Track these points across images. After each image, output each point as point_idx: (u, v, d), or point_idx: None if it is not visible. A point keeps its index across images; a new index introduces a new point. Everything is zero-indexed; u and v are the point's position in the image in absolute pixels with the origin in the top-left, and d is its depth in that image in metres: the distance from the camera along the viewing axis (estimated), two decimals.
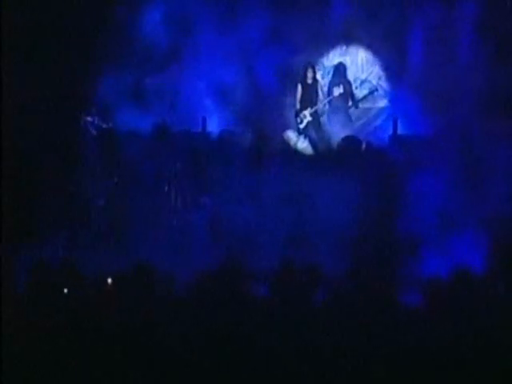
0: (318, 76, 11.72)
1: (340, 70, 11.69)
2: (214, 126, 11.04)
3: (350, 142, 10.83)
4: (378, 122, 11.64)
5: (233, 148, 10.34)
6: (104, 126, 10.75)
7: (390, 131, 11.04)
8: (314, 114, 11.61)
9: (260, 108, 11.28)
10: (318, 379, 4.83)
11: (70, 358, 4.78)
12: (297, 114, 11.61)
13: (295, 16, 11.33)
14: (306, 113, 11.56)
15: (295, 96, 11.61)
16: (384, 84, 11.62)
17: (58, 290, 6.53)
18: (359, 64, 11.82)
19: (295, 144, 11.50)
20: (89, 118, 10.73)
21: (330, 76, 11.75)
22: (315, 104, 11.59)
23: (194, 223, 10.00)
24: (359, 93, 11.68)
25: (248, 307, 6.10)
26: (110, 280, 7.11)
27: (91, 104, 10.74)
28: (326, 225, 9.59)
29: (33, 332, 4.84)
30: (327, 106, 11.69)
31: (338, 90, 11.55)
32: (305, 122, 11.56)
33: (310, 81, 11.56)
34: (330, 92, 11.65)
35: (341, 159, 10.40)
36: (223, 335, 5.12)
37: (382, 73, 11.68)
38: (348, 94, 11.61)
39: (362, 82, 11.74)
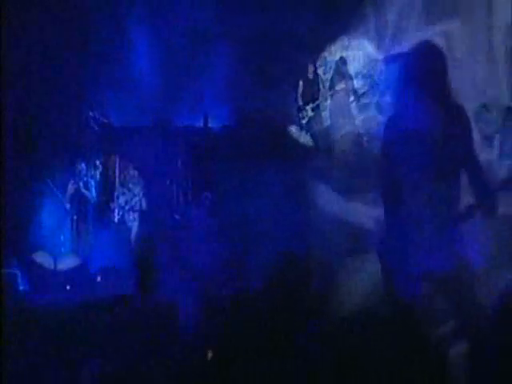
0: (320, 71, 11.73)
1: (342, 65, 11.70)
2: (215, 122, 11.06)
3: (352, 136, 10.83)
4: (380, 116, 11.63)
5: (234, 143, 10.36)
6: (105, 120, 10.77)
7: (391, 126, 11.00)
8: (316, 109, 11.61)
9: (262, 103, 11.29)
10: (315, 373, 4.85)
11: (70, 357, 4.81)
12: (299, 109, 11.61)
13: (297, 10, 11.35)
14: (308, 107, 11.56)
15: (297, 91, 11.62)
16: (385, 79, 11.63)
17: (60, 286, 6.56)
18: (361, 59, 11.83)
19: (297, 139, 11.50)
20: (90, 113, 10.75)
21: (332, 71, 11.76)
22: (317, 99, 11.59)
23: (195, 217, 10.03)
24: (361, 88, 11.69)
25: (248, 300, 6.13)
26: (111, 276, 7.14)
27: (93, 98, 10.77)
28: (326, 218, 9.61)
29: (33, 330, 4.87)
30: (329, 101, 11.70)
31: (339, 85, 11.54)
32: (307, 116, 11.56)
33: (310, 75, 11.56)
34: (331, 87, 11.65)
35: (342, 154, 10.41)
36: (223, 327, 5.15)
37: (383, 67, 11.69)
38: (350, 88, 11.61)
39: (364, 77, 11.74)
